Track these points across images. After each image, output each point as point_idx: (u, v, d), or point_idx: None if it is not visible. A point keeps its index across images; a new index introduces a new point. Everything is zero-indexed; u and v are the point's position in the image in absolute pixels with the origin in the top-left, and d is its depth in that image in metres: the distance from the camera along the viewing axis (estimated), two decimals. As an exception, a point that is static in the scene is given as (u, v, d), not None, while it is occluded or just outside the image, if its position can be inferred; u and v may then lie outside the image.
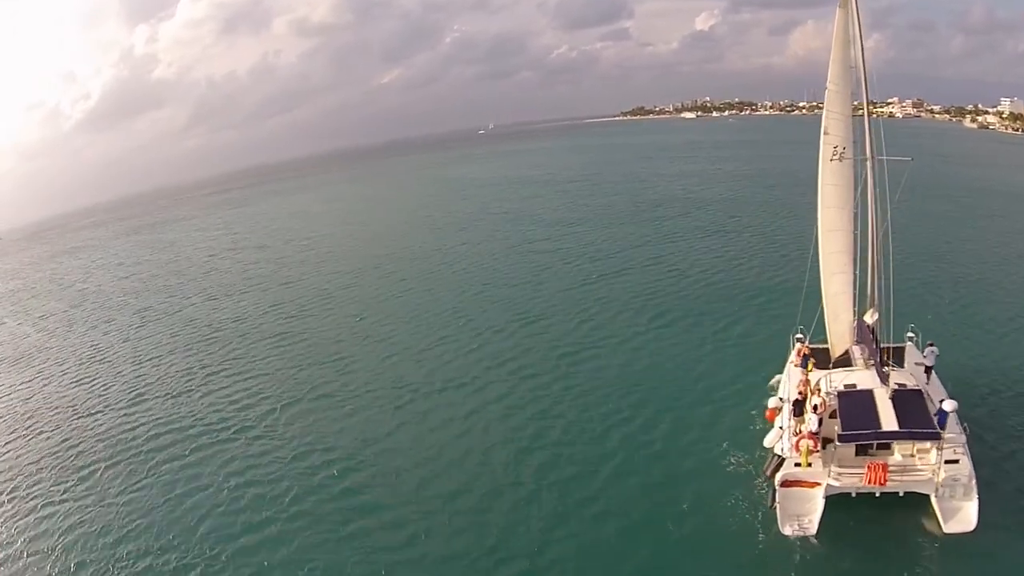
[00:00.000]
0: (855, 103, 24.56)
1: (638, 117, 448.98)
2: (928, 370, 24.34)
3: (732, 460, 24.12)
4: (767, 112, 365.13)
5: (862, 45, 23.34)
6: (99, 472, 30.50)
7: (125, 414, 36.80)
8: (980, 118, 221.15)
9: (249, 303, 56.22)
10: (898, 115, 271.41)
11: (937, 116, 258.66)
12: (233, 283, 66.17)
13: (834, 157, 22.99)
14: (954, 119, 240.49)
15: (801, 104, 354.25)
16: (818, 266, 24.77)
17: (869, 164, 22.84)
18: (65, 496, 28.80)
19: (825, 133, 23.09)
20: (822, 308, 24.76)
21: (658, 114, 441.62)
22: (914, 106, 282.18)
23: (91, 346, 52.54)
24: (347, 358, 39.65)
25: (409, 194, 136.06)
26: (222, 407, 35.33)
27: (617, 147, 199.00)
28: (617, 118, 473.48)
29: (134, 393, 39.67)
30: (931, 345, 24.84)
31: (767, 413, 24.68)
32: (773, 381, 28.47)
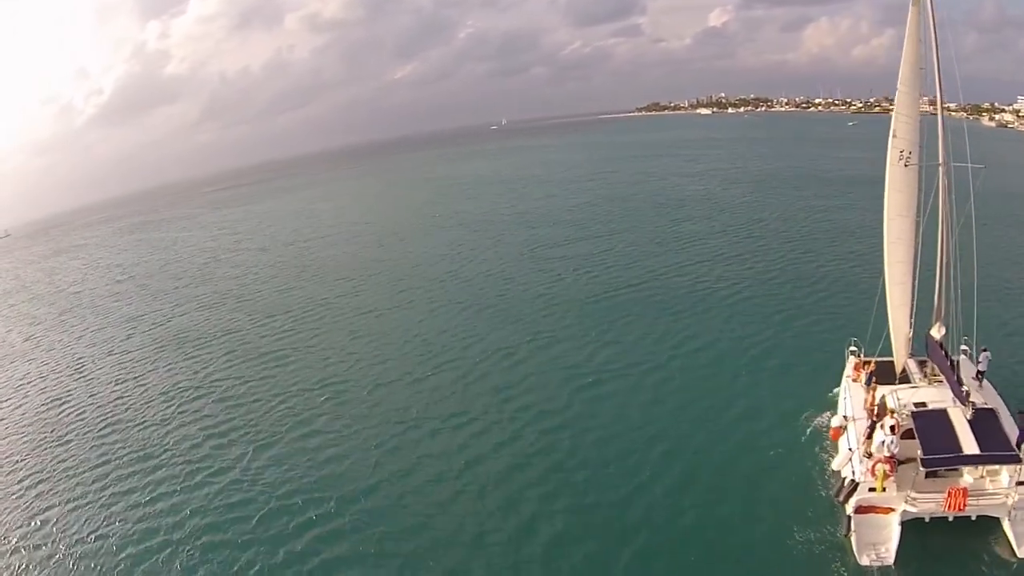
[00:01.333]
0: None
1: (653, 113, 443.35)
2: (980, 375, 23.43)
3: (791, 489, 22.01)
4: (783, 109, 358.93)
5: (936, 45, 21.62)
6: (56, 512, 27.64)
7: (94, 444, 33.62)
8: (997, 116, 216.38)
9: (242, 314, 52.67)
10: None
11: (953, 113, 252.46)
12: (228, 290, 62.74)
13: (900, 162, 21.95)
14: (970, 117, 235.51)
15: (817, 101, 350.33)
16: (879, 276, 24.08)
17: (942, 171, 21.60)
18: (16, 537, 26.29)
19: (893, 136, 21.90)
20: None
21: (673, 110, 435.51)
22: (930, 103, 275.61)
23: (74, 359, 49.78)
24: (336, 385, 35.70)
25: (417, 192, 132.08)
26: (197, 440, 31.72)
27: (633, 144, 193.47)
28: (632, 114, 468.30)
29: (107, 419, 36.37)
30: (985, 351, 23.48)
31: (831, 432, 23.66)
32: (811, 416, 26.21)
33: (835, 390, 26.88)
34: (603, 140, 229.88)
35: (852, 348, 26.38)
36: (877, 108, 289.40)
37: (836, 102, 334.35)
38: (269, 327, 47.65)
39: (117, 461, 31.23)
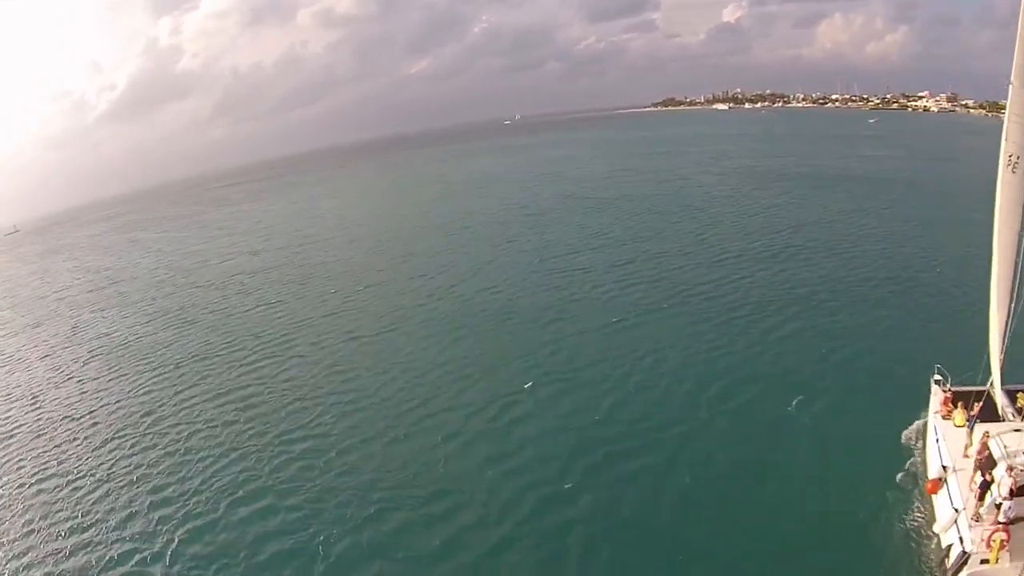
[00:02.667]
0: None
1: (669, 108, 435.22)
2: None
3: (878, 563, 18.28)
4: (800, 104, 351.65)
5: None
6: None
7: (22, 503, 29.00)
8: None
9: (216, 335, 47.22)
10: (933, 109, 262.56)
11: (972, 111, 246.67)
12: (208, 303, 57.57)
13: (1008, 167, 19.33)
14: (990, 114, 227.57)
15: (834, 96, 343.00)
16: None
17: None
18: None
19: (1005, 140, 19.19)
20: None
21: (689, 105, 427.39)
22: (948, 100, 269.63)
23: (33, 383, 45.60)
24: (299, 439, 29.76)
25: (424, 190, 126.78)
26: (130, 511, 26.45)
27: (651, 140, 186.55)
28: (648, 109, 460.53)
29: (44, 472, 31.58)
30: None
31: (928, 486, 19.80)
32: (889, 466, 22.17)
33: (909, 428, 23.44)
34: (619, 136, 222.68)
35: (937, 377, 22.85)
36: (895, 104, 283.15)
37: (854, 98, 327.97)
38: (239, 354, 42.16)
39: (36, 533, 26.43)
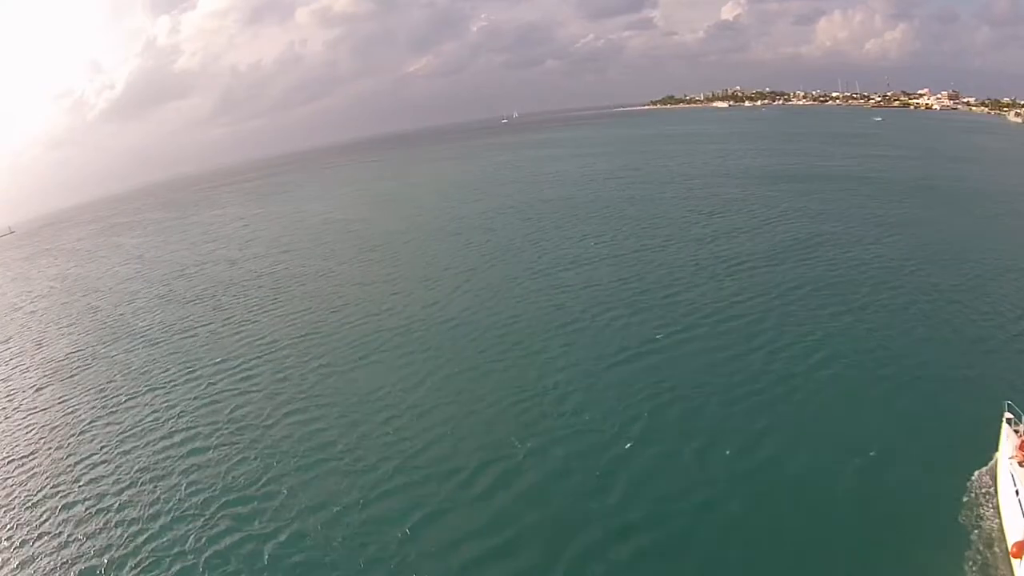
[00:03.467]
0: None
1: (668, 106, 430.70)
2: None
3: None
4: (800, 102, 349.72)
5: None
6: None
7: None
8: (1022, 111, 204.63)
9: (176, 360, 43.53)
10: (935, 107, 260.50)
11: (974, 108, 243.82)
12: (174, 322, 53.60)
13: None
14: (992, 112, 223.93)
15: (835, 94, 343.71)
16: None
17: None
18: None
19: None
20: None
21: (688, 103, 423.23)
22: (950, 98, 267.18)
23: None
24: (243, 499, 25.93)
25: (418, 191, 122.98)
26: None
27: (653, 138, 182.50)
28: (647, 107, 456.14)
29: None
30: None
31: (1012, 549, 17.26)
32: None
33: (976, 476, 20.50)
34: (620, 134, 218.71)
35: (1008, 416, 20.53)
36: (896, 102, 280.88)
37: (855, 95, 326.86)
38: (195, 385, 38.28)
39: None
